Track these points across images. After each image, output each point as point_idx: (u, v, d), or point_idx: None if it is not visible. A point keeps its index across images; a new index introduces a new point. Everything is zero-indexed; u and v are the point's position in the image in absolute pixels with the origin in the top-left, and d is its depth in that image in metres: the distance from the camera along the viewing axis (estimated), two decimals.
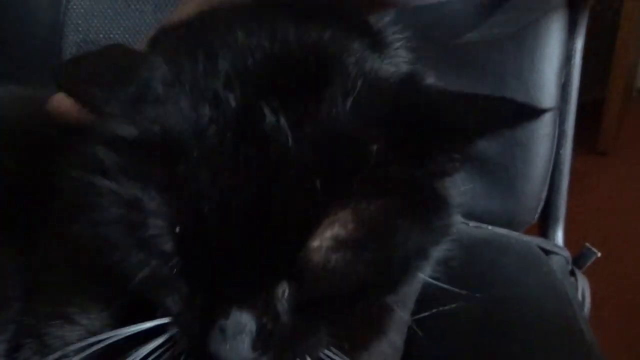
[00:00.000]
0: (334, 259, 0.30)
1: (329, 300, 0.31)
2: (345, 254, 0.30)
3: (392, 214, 0.31)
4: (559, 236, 0.67)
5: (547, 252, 0.63)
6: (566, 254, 0.64)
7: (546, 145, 0.63)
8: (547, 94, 0.62)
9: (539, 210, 0.66)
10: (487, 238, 0.61)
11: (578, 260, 0.65)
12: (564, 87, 0.63)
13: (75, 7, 0.71)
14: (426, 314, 0.47)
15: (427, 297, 0.50)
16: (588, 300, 0.64)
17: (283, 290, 0.31)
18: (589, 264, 0.64)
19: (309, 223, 0.29)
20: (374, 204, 0.31)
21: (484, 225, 0.64)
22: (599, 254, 0.63)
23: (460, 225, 0.63)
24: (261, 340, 0.30)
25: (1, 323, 0.37)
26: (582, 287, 0.64)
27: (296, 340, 0.32)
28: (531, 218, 0.66)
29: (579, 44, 0.63)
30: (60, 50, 0.71)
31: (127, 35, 0.70)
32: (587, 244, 0.65)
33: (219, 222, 0.28)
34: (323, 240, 0.29)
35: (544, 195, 0.65)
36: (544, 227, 0.68)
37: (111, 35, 0.70)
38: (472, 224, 0.64)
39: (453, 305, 0.45)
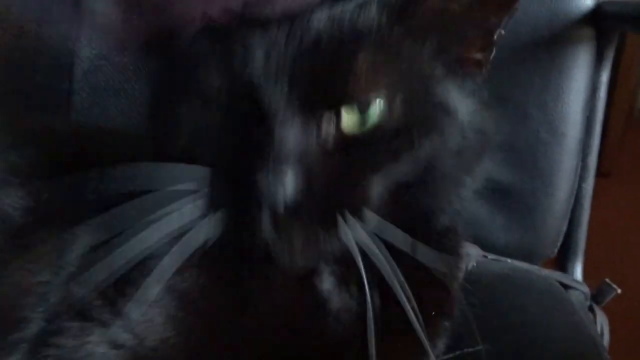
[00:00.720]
0: (371, 86, 0.32)
1: (373, 142, 0.32)
2: (379, 84, 0.32)
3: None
4: (578, 271, 0.66)
5: (566, 287, 0.62)
6: (585, 289, 0.63)
7: (569, 178, 0.62)
8: (572, 126, 0.61)
9: (559, 244, 0.65)
10: (507, 273, 0.60)
11: (597, 296, 0.63)
12: (588, 120, 0.62)
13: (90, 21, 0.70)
14: (450, 355, 0.46)
15: (452, 338, 0.48)
16: (607, 336, 0.63)
17: (329, 120, 0.32)
18: (608, 300, 0.63)
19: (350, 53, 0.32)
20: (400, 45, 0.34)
21: (503, 259, 0.63)
22: (619, 291, 0.62)
23: (480, 258, 0.62)
24: (305, 176, 0.30)
25: (13, 342, 0.35)
26: (601, 323, 0.63)
27: (340, 185, 0.32)
28: (551, 252, 0.65)
29: (605, 77, 0.62)
30: (72, 66, 0.69)
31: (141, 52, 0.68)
32: (607, 280, 0.63)
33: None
34: (361, 69, 0.32)
35: (564, 229, 0.64)
36: (563, 261, 0.66)
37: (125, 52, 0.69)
38: (491, 256, 0.63)
39: (479, 347, 0.44)
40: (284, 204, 0.29)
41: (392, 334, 0.35)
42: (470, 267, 0.60)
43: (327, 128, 0.32)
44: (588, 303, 0.63)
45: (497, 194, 0.63)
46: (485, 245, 0.63)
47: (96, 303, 0.34)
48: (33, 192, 0.39)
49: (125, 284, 0.33)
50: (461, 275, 0.57)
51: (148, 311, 0.33)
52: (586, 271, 0.69)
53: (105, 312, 0.34)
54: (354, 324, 0.35)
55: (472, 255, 0.60)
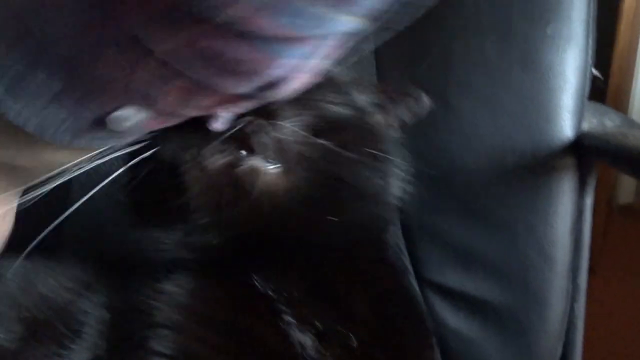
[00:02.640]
0: None
1: None
2: None
3: None
4: None
5: None
6: None
7: (561, 299, 0.63)
8: (560, 249, 0.62)
9: None
10: None
11: None
12: (576, 243, 0.64)
13: None
14: None
15: None
16: None
17: None
18: None
19: None
20: None
21: None
22: None
23: None
24: None
25: None
26: None
27: None
28: None
29: (589, 201, 0.65)
30: None
31: None
32: None
33: None
34: None
35: (559, 351, 0.64)
36: None
37: None
38: None
39: None
40: None
41: None
42: None
43: None
44: None
45: (492, 314, 0.64)
46: None
47: None
48: (30, 324, 0.38)
49: None
50: None
51: None
52: None
53: None
54: None
55: None
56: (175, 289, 0.37)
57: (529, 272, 0.62)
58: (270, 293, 0.36)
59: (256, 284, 0.36)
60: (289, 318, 0.35)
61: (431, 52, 0.65)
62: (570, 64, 0.62)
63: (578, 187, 0.63)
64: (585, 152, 0.61)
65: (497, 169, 0.63)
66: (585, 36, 0.61)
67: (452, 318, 0.64)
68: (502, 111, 0.63)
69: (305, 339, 0.35)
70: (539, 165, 0.62)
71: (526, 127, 0.62)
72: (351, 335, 0.35)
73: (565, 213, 0.62)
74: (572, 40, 0.59)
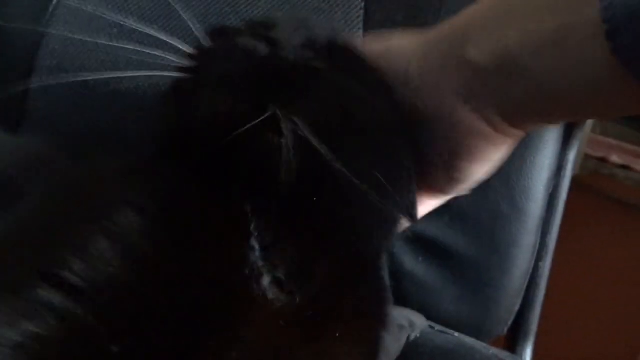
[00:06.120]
0: None
1: None
2: None
3: None
4: (528, 353, 0.63)
5: None
6: None
7: (526, 255, 0.60)
8: (533, 202, 0.59)
9: (510, 322, 0.62)
10: (452, 349, 0.56)
11: None
12: (551, 198, 0.60)
13: (54, 31, 0.67)
14: None
15: None
16: None
17: None
18: None
19: None
20: None
21: (450, 332, 0.59)
22: None
23: (426, 328, 0.59)
24: None
25: None
26: None
27: None
28: (501, 330, 0.62)
29: (571, 156, 0.61)
30: (30, 73, 0.67)
31: (102, 69, 0.66)
32: None
33: None
34: None
35: (517, 307, 0.61)
36: (512, 341, 0.63)
37: (86, 66, 0.66)
38: (437, 327, 0.60)
39: None
40: None
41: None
42: (413, 337, 0.56)
43: None
44: None
45: (452, 262, 0.60)
46: (432, 314, 0.59)
47: None
48: None
49: None
50: (402, 345, 0.54)
51: None
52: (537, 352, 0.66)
53: None
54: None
55: (417, 325, 0.57)
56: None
57: (498, 223, 0.59)
58: (249, 213, 0.33)
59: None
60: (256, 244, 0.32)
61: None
62: None
63: (562, 139, 0.59)
64: None
65: None
66: None
67: (410, 261, 0.61)
68: None
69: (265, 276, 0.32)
70: None
71: None
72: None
73: (544, 165, 0.58)
74: None
